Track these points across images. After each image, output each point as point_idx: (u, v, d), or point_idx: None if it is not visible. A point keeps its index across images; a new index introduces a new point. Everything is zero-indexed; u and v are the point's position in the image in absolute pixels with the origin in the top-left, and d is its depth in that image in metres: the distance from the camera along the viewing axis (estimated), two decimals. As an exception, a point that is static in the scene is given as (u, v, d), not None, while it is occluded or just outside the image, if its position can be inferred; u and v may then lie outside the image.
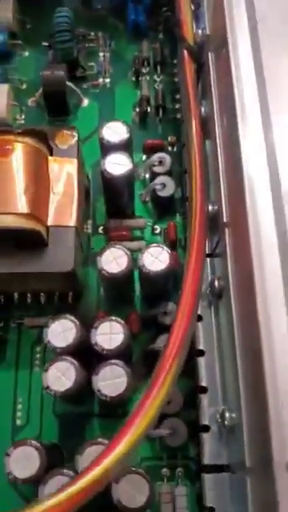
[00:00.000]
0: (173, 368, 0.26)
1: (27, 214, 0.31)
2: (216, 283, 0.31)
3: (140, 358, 0.36)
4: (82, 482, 0.23)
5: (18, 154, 0.32)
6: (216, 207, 0.32)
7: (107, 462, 0.24)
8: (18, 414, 0.35)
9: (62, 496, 0.23)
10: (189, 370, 0.33)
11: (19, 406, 0.35)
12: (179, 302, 0.28)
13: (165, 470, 0.33)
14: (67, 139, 0.35)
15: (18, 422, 0.35)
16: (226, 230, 0.29)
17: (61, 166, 0.34)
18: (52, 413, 0.35)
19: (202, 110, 0.36)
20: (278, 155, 0.26)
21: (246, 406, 0.26)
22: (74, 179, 0.33)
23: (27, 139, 0.33)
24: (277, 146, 0.26)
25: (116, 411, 0.35)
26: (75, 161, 0.34)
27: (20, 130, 0.33)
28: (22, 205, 0.31)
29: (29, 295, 0.36)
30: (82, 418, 0.35)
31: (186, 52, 0.37)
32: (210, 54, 0.35)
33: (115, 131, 0.35)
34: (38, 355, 0.36)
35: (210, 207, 0.33)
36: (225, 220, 0.30)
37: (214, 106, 0.33)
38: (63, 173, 0.34)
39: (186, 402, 0.33)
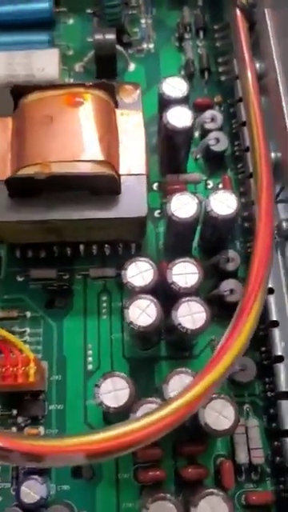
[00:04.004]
0: (257, 300, 0.28)
1: (103, 161, 0.32)
2: (284, 224, 0.33)
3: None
4: (187, 397, 0.25)
5: (90, 105, 0.33)
6: (278, 154, 0.34)
7: (210, 377, 0.25)
8: (89, 359, 0.36)
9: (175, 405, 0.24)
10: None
11: (89, 352, 0.36)
12: (256, 242, 0.30)
13: (233, 406, 0.35)
14: (130, 93, 0.36)
15: (90, 367, 0.36)
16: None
17: (128, 118, 0.35)
18: (122, 357, 0.36)
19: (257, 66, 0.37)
20: None
21: None
22: (141, 130, 0.35)
23: (97, 91, 0.34)
24: None
25: (183, 354, 0.36)
26: (140, 113, 0.36)
27: (91, 83, 0.34)
28: (97, 152, 0.32)
29: (94, 247, 0.37)
30: (151, 360, 0.36)
31: (238, 11, 0.38)
32: (265, 10, 0.36)
33: (175, 86, 0.37)
34: (104, 304, 0.38)
35: (272, 154, 0.34)
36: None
37: (274, 58, 0.35)
38: (130, 125, 0.35)
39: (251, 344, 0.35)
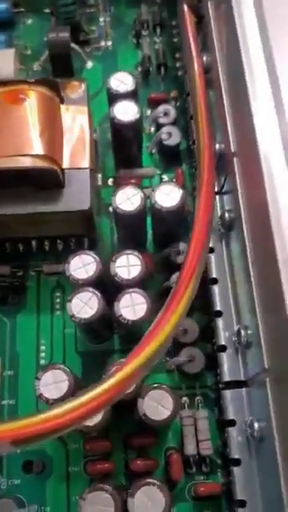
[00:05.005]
0: (192, 280, 0.28)
1: (44, 156, 0.32)
2: (226, 215, 0.33)
3: (155, 297, 0.37)
4: (107, 384, 0.25)
5: (33, 101, 0.34)
6: (222, 146, 0.34)
7: (143, 354, 0.25)
8: (42, 354, 0.36)
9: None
10: (203, 305, 0.35)
11: (42, 348, 0.37)
12: (193, 230, 0.30)
13: (185, 398, 0.35)
14: (76, 89, 0.36)
15: (42, 361, 0.36)
16: (235, 160, 0.31)
17: (72, 114, 0.35)
18: (74, 351, 0.36)
19: (204, 59, 0.38)
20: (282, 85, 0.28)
21: (262, 318, 0.27)
22: (86, 125, 0.35)
23: (40, 88, 0.34)
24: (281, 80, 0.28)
25: (135, 346, 0.36)
26: (86, 108, 0.36)
27: (33, 80, 0.34)
28: (38, 147, 0.32)
29: (46, 242, 0.37)
30: (103, 354, 0.36)
31: (185, 6, 0.39)
32: (209, 3, 0.37)
33: (122, 81, 0.37)
34: (58, 300, 0.38)
35: (217, 146, 0.34)
36: (233, 150, 0.31)
37: (216, 52, 0.35)
38: (75, 119, 0.35)
39: (201, 335, 0.35)
